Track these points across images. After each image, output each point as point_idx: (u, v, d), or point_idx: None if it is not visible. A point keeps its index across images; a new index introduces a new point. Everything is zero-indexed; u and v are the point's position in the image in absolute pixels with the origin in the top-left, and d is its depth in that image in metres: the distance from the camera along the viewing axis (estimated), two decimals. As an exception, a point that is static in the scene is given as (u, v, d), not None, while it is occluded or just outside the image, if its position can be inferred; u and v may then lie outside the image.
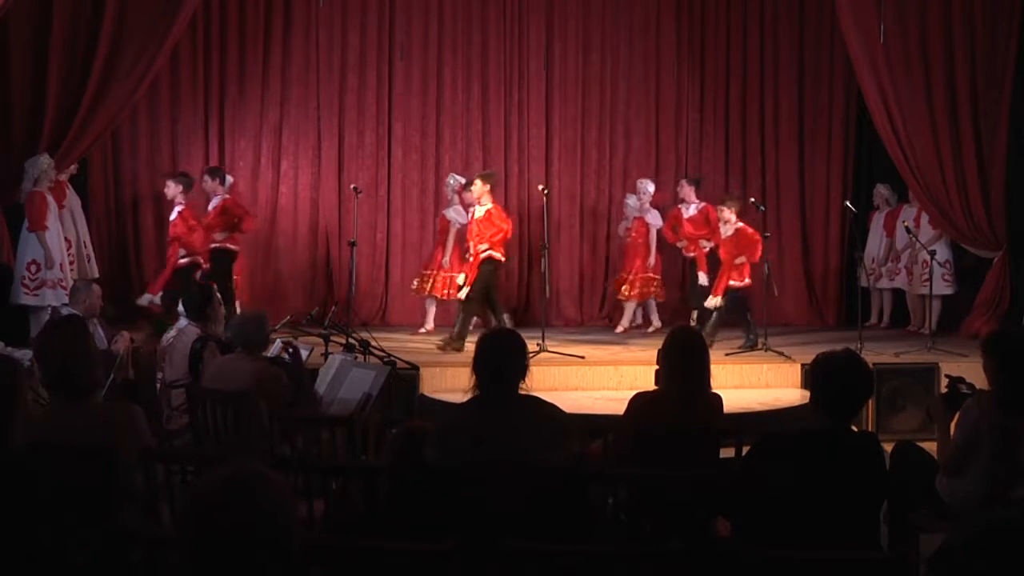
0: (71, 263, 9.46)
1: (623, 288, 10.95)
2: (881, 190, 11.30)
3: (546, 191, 10.18)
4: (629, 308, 11.06)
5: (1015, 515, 2.17)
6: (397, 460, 4.10)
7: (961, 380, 4.76)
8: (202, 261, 10.07)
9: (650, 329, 10.94)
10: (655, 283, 10.88)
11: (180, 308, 6.85)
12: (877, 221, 11.37)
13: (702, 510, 4.12)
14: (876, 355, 9.11)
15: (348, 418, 5.44)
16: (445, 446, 3.92)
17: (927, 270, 10.35)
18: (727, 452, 4.87)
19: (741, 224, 10.04)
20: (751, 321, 9.83)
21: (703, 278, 10.44)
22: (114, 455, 3.94)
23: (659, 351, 4.91)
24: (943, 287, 10.46)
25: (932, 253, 10.13)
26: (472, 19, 11.80)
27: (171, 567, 3.05)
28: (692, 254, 10.75)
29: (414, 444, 4.01)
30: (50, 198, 9.16)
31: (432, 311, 10.79)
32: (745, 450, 4.41)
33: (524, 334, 4.29)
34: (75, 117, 9.53)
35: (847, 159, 12.23)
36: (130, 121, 10.97)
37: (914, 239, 10.49)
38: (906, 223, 10.56)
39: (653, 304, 11.07)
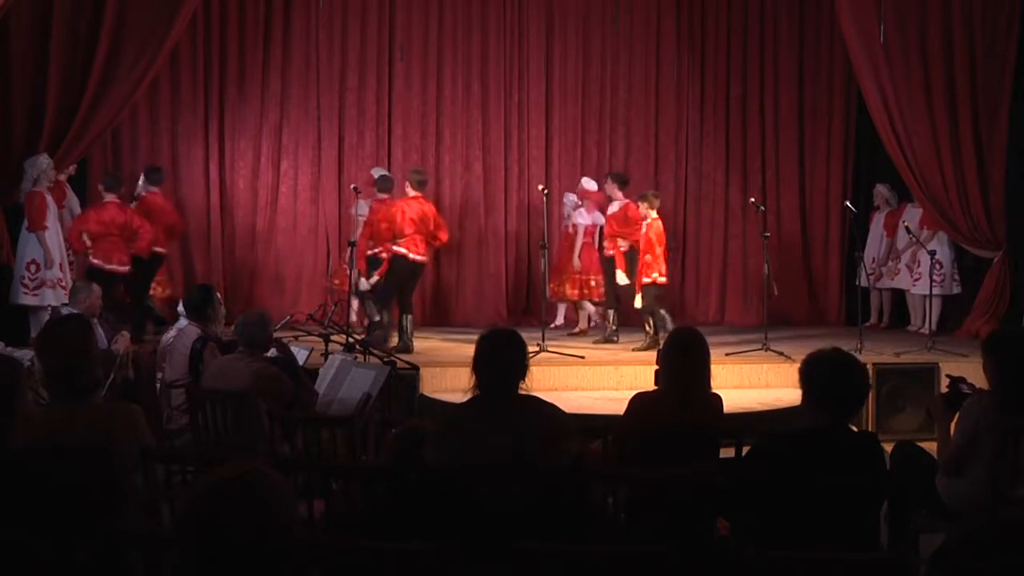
0: (70, 263, 9.46)
1: (551, 287, 10.72)
2: (881, 190, 11.29)
3: (546, 191, 10.18)
4: (560, 308, 11.08)
5: (1015, 515, 2.17)
6: (397, 460, 4.10)
7: (962, 380, 4.76)
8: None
9: (575, 330, 10.89)
10: (587, 284, 10.71)
11: (180, 308, 6.84)
12: (877, 221, 11.37)
13: (702, 510, 4.12)
14: (876, 355, 9.11)
15: (348, 418, 5.43)
16: (445, 446, 3.92)
17: (920, 269, 10.38)
18: (727, 452, 4.87)
19: (651, 219, 9.77)
20: (664, 317, 9.76)
21: (621, 277, 10.07)
22: (114, 455, 3.94)
23: (659, 351, 4.90)
24: (940, 287, 10.46)
25: (932, 253, 10.13)
26: (472, 19, 11.80)
27: (171, 567, 3.05)
28: (610, 253, 10.25)
29: (414, 444, 4.01)
30: (49, 198, 9.16)
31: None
32: (745, 450, 4.41)
33: (524, 334, 4.29)
34: (75, 117, 9.52)
35: (847, 159, 12.24)
36: (130, 121, 10.98)
37: (914, 239, 10.49)
38: (906, 223, 10.57)
39: (587, 305, 10.92)
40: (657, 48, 12.02)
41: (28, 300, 8.97)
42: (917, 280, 10.53)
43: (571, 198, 10.99)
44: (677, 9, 12.03)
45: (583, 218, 10.72)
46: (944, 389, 4.84)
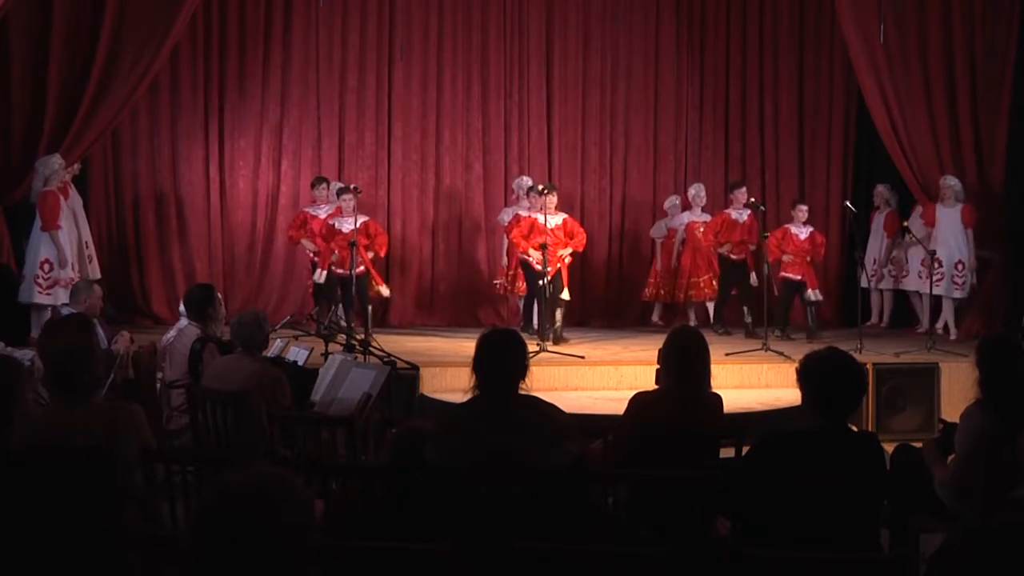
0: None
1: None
2: (881, 190, 11.27)
3: (546, 191, 10.17)
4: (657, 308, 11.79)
5: (1015, 516, 2.17)
6: (397, 460, 4.10)
7: (955, 425, 4.69)
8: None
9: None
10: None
11: (181, 308, 6.84)
12: (878, 222, 11.34)
13: (702, 510, 4.12)
14: (876, 355, 9.11)
15: (348, 418, 5.43)
16: (445, 446, 3.92)
17: (941, 269, 10.39)
18: (727, 452, 4.87)
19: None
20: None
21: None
22: (114, 455, 3.94)
23: (659, 351, 4.90)
24: (961, 290, 10.39)
25: (932, 253, 10.12)
26: (472, 19, 11.80)
27: (178, 568, 3.05)
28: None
29: (414, 444, 4.01)
30: (61, 198, 9.17)
31: None
32: (745, 450, 4.42)
33: (523, 334, 4.29)
34: (75, 117, 9.52)
35: (847, 159, 12.23)
36: (130, 121, 10.96)
37: (913, 239, 10.48)
38: (906, 223, 10.54)
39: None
40: (657, 48, 12.02)
41: (42, 299, 9.00)
42: (939, 281, 10.39)
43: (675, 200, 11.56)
44: (677, 9, 12.03)
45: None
46: (937, 433, 4.79)
